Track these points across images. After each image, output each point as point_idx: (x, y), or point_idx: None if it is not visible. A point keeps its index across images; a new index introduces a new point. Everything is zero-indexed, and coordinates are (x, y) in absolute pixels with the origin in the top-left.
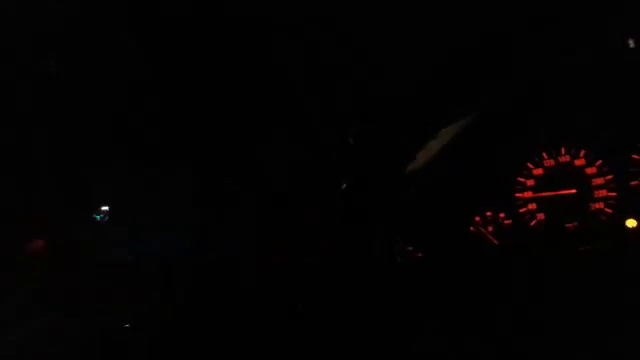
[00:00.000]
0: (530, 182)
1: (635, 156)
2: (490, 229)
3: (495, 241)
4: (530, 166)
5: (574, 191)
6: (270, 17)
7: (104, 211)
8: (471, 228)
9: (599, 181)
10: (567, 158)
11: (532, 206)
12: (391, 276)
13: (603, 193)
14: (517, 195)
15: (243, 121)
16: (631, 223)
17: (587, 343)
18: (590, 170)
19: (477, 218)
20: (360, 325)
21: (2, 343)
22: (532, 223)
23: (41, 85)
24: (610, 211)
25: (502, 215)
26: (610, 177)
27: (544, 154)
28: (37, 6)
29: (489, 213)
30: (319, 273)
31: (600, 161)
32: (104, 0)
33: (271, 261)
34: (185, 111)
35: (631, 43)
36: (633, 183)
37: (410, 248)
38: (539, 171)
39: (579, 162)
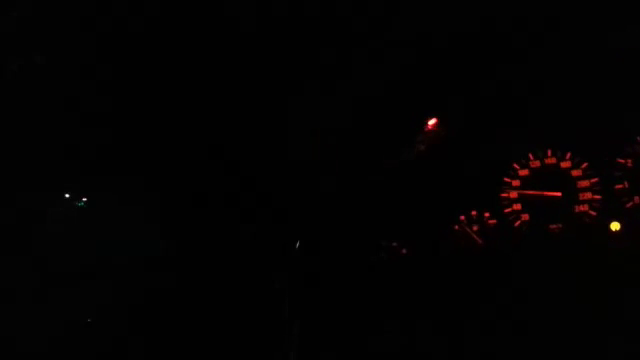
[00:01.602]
0: (516, 182)
1: (620, 160)
2: (475, 228)
3: (479, 240)
4: (516, 167)
5: (559, 194)
6: None
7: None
8: (456, 226)
9: (584, 184)
10: (553, 160)
11: (517, 206)
12: (376, 272)
13: (588, 196)
14: (502, 195)
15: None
16: (615, 226)
17: (569, 343)
18: (576, 172)
19: (462, 217)
20: (347, 320)
21: None
22: (516, 223)
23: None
24: (594, 214)
25: (487, 214)
26: (595, 180)
27: (530, 155)
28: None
29: (474, 212)
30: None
31: (586, 164)
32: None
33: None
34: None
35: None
36: (618, 186)
37: (395, 244)
38: (525, 172)
39: (565, 164)
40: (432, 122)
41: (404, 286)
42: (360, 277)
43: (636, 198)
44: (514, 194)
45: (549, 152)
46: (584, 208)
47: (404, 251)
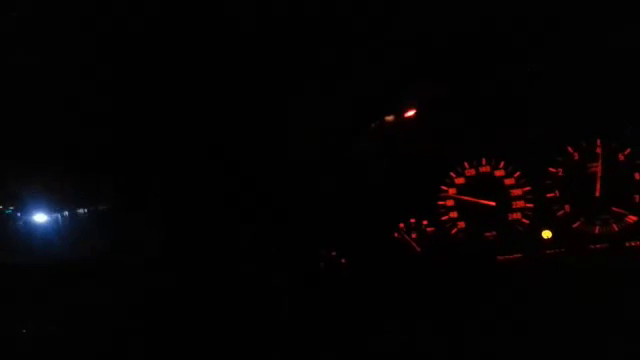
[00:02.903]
0: (452, 190)
1: (552, 169)
2: (414, 236)
3: (418, 248)
4: (453, 175)
5: (494, 204)
6: None
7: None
8: (395, 234)
9: (517, 192)
10: (487, 169)
11: (453, 214)
12: (314, 281)
13: (521, 204)
14: (439, 203)
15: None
16: (546, 234)
17: (504, 351)
18: (509, 181)
19: (401, 225)
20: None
21: None
22: (453, 231)
23: None
24: (527, 222)
25: (425, 222)
26: (528, 189)
27: (466, 164)
28: None
29: (413, 220)
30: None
31: (519, 173)
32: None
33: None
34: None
35: None
36: (549, 195)
37: (334, 253)
38: (461, 180)
39: (499, 173)
40: (410, 113)
41: (343, 295)
42: (300, 286)
43: (567, 207)
44: (450, 202)
45: (483, 161)
46: (517, 216)
47: (343, 260)
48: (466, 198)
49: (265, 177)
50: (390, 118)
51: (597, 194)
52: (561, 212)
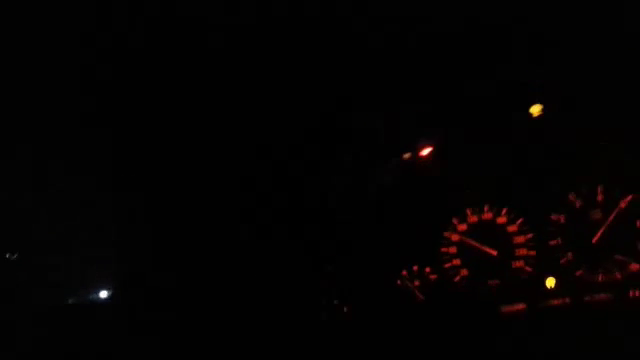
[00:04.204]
0: (455, 237)
1: (554, 216)
2: (416, 283)
3: (421, 296)
4: (455, 222)
5: (495, 253)
6: None
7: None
8: (398, 282)
9: (520, 239)
10: (489, 215)
11: (456, 261)
12: (317, 332)
13: (523, 252)
14: (442, 250)
15: None
16: (550, 282)
17: None
18: (511, 228)
19: (404, 272)
20: None
21: None
22: (456, 279)
23: None
24: (530, 270)
25: (428, 270)
26: (530, 236)
27: (468, 210)
28: None
29: (416, 267)
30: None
31: (521, 219)
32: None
33: None
34: None
35: None
36: (552, 242)
37: (336, 302)
38: (463, 226)
39: (501, 220)
40: (426, 151)
41: (347, 344)
42: (303, 336)
43: (569, 254)
44: (453, 249)
45: (486, 207)
46: (520, 264)
47: (346, 309)
48: (469, 241)
49: (270, 225)
50: (407, 156)
51: (598, 242)
52: (564, 260)
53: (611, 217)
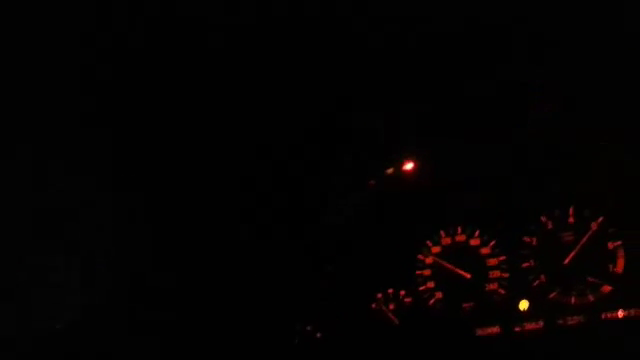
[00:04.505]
0: (429, 260)
1: (526, 238)
2: (391, 307)
3: (396, 320)
4: (429, 244)
5: (469, 276)
6: None
7: None
8: (373, 305)
9: (493, 262)
10: (463, 237)
11: (431, 284)
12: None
13: (496, 274)
14: (417, 273)
15: None
16: (523, 305)
17: None
18: (485, 250)
19: (379, 295)
20: None
21: None
22: (431, 302)
23: None
24: (503, 292)
25: (403, 293)
26: (503, 258)
27: (442, 232)
28: None
29: (391, 290)
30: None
31: (494, 242)
32: None
33: None
34: None
35: None
36: (525, 265)
37: (309, 328)
38: (437, 249)
39: (474, 242)
40: (409, 166)
41: None
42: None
43: (542, 277)
44: (428, 272)
45: (459, 229)
46: (494, 286)
47: (319, 335)
48: (443, 263)
49: (238, 252)
50: (390, 171)
51: (570, 263)
52: (537, 282)
53: (583, 239)
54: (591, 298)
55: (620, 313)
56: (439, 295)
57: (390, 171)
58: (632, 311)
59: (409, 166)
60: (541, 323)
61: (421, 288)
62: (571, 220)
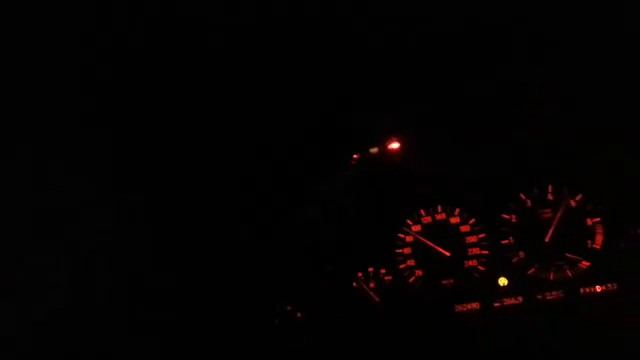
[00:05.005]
0: (409, 238)
1: (505, 215)
2: (372, 285)
3: (376, 298)
4: (409, 222)
5: (448, 254)
6: None
7: None
8: (353, 284)
9: (472, 239)
10: (443, 216)
11: (411, 262)
12: (269, 339)
13: (476, 251)
14: (397, 251)
15: None
16: (502, 281)
17: None
18: (464, 228)
19: (359, 274)
20: None
21: None
22: (411, 279)
23: None
24: (482, 269)
25: (383, 271)
26: (482, 236)
27: (422, 211)
28: None
29: (371, 269)
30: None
31: (473, 220)
32: None
33: None
34: None
35: None
36: (504, 242)
37: (289, 308)
38: (418, 227)
39: (454, 220)
40: (394, 145)
41: (301, 352)
42: (256, 343)
43: (521, 253)
44: (408, 250)
45: (439, 208)
46: (473, 263)
47: (299, 315)
48: (424, 240)
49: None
50: (374, 150)
51: (550, 240)
52: (516, 259)
53: (561, 216)
54: (570, 274)
55: (598, 288)
56: (419, 273)
57: (374, 150)
58: (609, 286)
59: (393, 145)
60: (520, 299)
61: (401, 266)
62: (550, 197)
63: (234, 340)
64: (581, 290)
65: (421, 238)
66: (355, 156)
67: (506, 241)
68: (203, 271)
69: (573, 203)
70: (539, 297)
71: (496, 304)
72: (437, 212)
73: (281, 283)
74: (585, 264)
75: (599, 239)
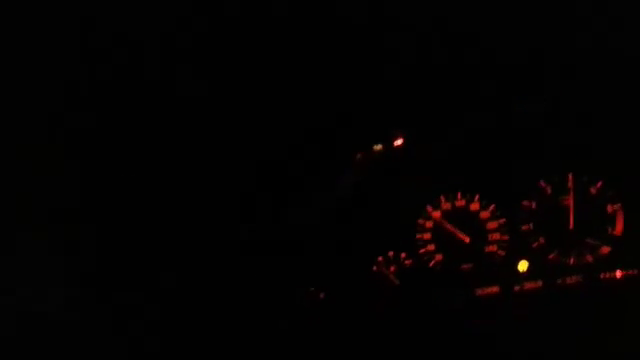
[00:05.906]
0: (429, 224)
1: (525, 202)
2: (392, 269)
3: (396, 281)
4: (429, 209)
5: (468, 239)
6: None
7: None
8: (374, 267)
9: (492, 225)
10: (463, 202)
11: (431, 247)
12: (293, 318)
13: (496, 237)
14: (417, 236)
15: None
16: (522, 266)
17: None
18: (484, 214)
19: (380, 258)
20: None
21: None
22: (431, 264)
23: None
24: (503, 254)
25: (403, 255)
26: (503, 221)
27: (442, 197)
28: None
29: (391, 253)
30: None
31: (493, 206)
32: None
33: None
34: None
35: None
36: (524, 227)
37: (312, 289)
38: (437, 214)
39: (474, 206)
40: (399, 142)
41: (324, 332)
42: (277, 325)
43: (541, 238)
44: (428, 235)
45: (459, 194)
46: (493, 248)
47: (322, 296)
48: (445, 225)
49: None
50: (378, 147)
51: (570, 226)
52: (536, 244)
53: (581, 203)
54: (590, 259)
55: (618, 273)
56: (439, 257)
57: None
58: (630, 271)
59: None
60: (540, 283)
61: (421, 251)
62: (570, 185)
63: (257, 320)
64: (601, 275)
65: (442, 223)
66: (377, 147)
67: (526, 227)
68: (220, 257)
69: (593, 190)
70: (559, 282)
71: (516, 288)
72: (457, 199)
73: (304, 266)
74: (606, 249)
75: (620, 225)
